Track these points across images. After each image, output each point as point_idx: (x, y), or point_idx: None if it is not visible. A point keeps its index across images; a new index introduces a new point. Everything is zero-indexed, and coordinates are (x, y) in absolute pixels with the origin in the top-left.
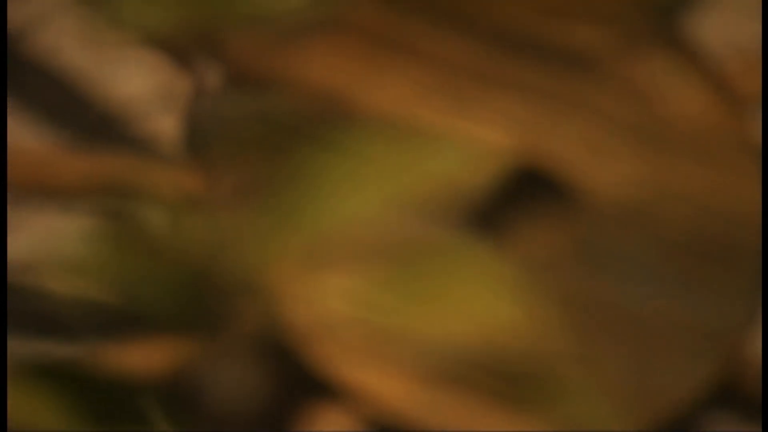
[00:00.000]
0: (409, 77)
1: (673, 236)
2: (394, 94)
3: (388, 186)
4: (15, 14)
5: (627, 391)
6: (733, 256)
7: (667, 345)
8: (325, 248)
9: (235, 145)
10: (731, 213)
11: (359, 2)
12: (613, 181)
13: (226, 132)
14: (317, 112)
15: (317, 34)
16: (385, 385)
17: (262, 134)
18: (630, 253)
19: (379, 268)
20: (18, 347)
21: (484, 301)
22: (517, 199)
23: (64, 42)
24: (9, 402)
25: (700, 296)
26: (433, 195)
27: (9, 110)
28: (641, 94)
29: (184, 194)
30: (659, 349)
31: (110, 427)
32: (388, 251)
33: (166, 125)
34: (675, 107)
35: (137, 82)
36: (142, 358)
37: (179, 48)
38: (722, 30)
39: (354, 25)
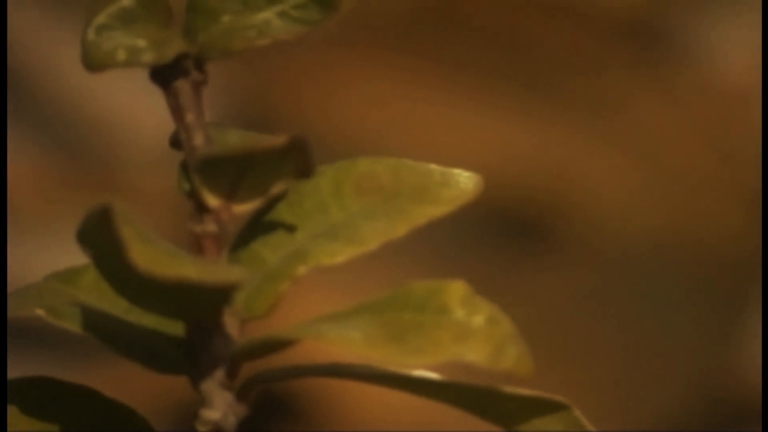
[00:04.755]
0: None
1: (677, 276)
2: (404, 118)
3: (387, 223)
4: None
5: (622, 403)
6: (723, 279)
7: (661, 364)
8: (306, 286)
9: (227, 182)
10: (724, 243)
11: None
12: (623, 226)
13: (219, 166)
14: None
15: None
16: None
17: (255, 169)
18: (638, 293)
19: (370, 316)
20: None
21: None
22: (526, 241)
23: (60, 62)
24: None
25: (694, 321)
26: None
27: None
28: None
29: (174, 227)
30: (654, 367)
31: None
32: (381, 292)
33: (157, 155)
34: (675, 151)
35: (131, 109)
36: (129, 385)
37: (174, 75)
38: (744, 43)
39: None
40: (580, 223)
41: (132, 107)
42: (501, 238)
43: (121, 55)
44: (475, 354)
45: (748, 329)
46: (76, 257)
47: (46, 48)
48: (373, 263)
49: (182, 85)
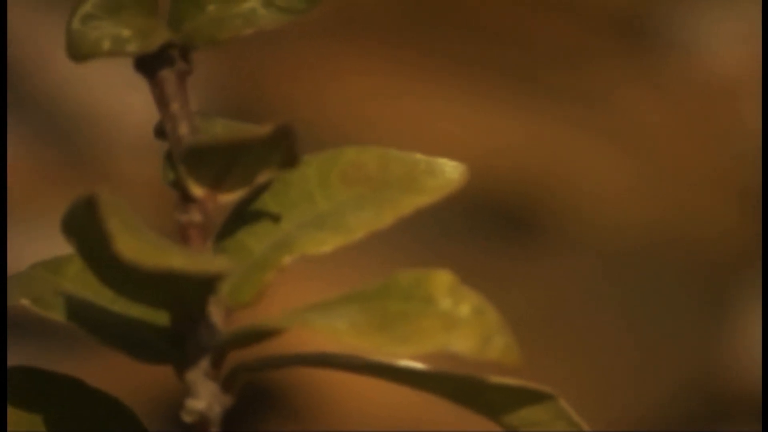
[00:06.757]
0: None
1: (668, 268)
2: (397, 107)
3: (376, 211)
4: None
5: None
6: (715, 271)
7: (650, 359)
8: (292, 275)
9: (213, 171)
10: (715, 235)
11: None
12: (611, 219)
13: (204, 155)
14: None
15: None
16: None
17: (241, 158)
18: (627, 286)
19: (357, 305)
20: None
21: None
22: (518, 232)
23: (52, 55)
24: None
25: (686, 314)
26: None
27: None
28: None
29: (161, 218)
30: (642, 363)
31: None
32: (371, 279)
33: (144, 146)
34: (666, 144)
35: (120, 99)
36: (118, 376)
37: (159, 64)
38: (732, 35)
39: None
40: (568, 216)
41: (117, 98)
42: (489, 229)
43: (106, 45)
44: (461, 343)
45: (742, 324)
46: (64, 249)
47: (33, 41)
48: (359, 254)
49: (167, 75)
